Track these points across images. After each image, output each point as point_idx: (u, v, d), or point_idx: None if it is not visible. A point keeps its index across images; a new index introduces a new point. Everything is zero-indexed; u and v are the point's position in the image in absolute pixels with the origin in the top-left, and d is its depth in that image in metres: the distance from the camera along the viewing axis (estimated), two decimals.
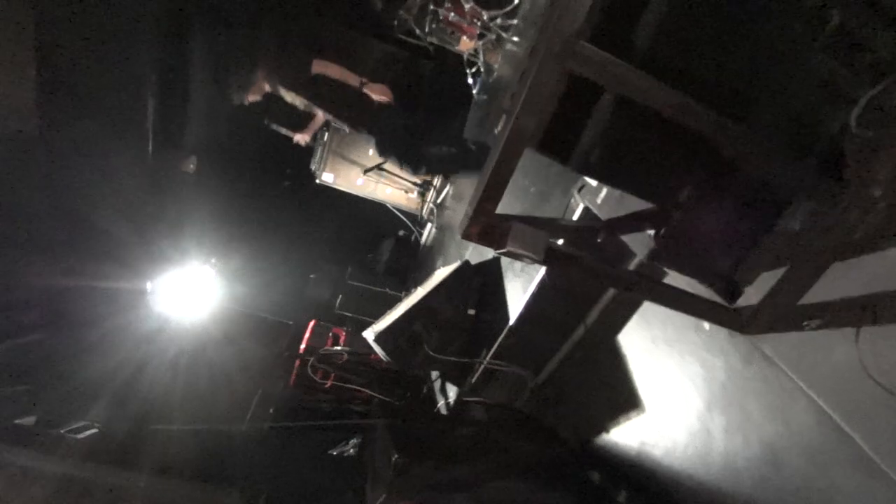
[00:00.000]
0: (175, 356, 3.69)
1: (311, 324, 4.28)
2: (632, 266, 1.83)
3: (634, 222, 1.56)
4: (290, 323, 4.65)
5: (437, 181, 5.46)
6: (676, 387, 1.86)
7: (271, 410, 3.88)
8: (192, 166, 4.64)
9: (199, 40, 3.88)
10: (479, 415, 2.85)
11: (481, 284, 3.01)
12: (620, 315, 2.18)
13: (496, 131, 1.32)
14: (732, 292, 1.55)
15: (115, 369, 3.36)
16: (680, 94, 1.01)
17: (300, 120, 4.39)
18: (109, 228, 3.52)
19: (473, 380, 2.79)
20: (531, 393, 2.63)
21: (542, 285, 2.29)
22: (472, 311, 3.03)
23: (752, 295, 1.47)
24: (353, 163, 5.27)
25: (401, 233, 6.18)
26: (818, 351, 1.36)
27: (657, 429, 1.92)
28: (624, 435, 2.06)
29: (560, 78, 0.93)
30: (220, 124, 5.01)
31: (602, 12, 0.94)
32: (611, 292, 2.24)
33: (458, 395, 2.95)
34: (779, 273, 1.39)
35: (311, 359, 3.57)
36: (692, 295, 1.52)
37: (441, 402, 3.22)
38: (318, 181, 5.30)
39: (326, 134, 5.15)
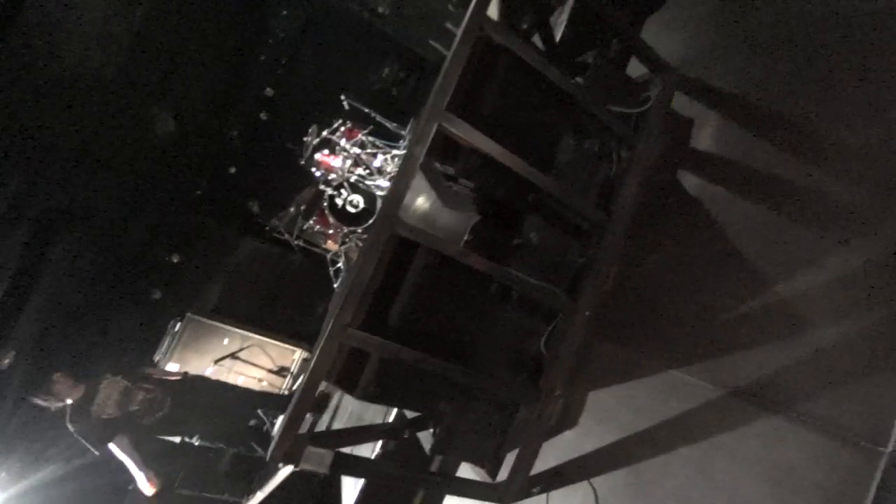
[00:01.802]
0: None
1: None
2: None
3: (421, 423, 2.11)
4: None
5: (293, 367, 5.62)
6: None
7: None
8: (6, 361, 4.12)
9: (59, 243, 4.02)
10: None
11: (321, 483, 3.12)
12: (436, 499, 2.55)
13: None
14: (495, 470, 2.11)
15: None
16: (418, 352, 1.69)
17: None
18: None
19: None
20: None
21: (369, 482, 2.58)
22: None
23: (503, 473, 2.04)
24: (204, 352, 5.23)
25: (252, 423, 5.84)
26: None
27: None
28: None
29: (340, 349, 1.53)
30: (52, 315, 4.73)
31: (367, 310, 1.64)
32: None
33: None
34: (514, 454, 2.02)
35: None
36: (468, 480, 2.04)
37: None
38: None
39: (179, 324, 5.17)
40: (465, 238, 2.23)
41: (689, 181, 2.30)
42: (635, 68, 2.59)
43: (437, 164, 1.87)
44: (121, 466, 3.47)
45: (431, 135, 1.61)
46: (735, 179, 2.09)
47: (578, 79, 2.37)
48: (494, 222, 2.31)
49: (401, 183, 1.60)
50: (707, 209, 2.13)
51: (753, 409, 1.63)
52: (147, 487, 3.39)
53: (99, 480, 4.70)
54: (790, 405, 1.57)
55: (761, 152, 2.03)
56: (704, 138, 2.37)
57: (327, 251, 5.97)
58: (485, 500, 1.99)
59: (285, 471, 3.15)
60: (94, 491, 4.74)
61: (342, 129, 5.23)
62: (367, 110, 5.52)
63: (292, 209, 5.77)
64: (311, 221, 5.78)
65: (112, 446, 3.37)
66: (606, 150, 2.35)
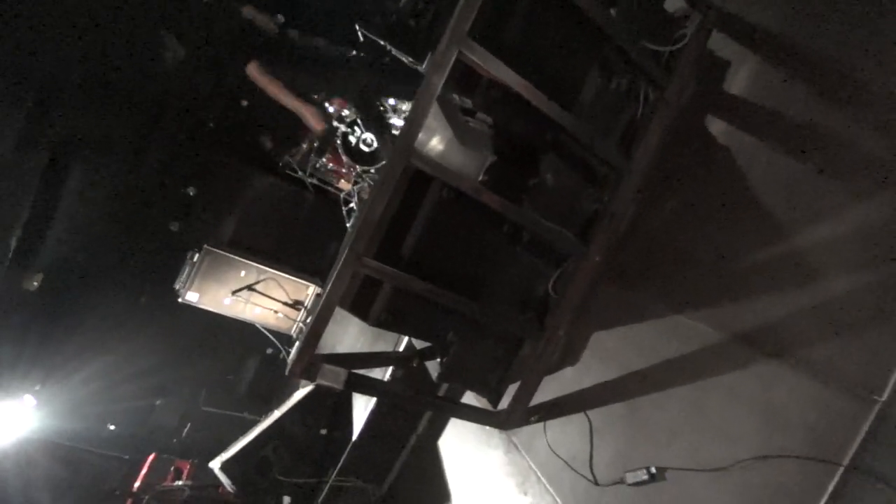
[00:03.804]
0: None
1: (150, 457, 3.97)
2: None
3: (429, 353, 2.21)
4: (126, 457, 4.19)
5: (307, 301, 5.82)
6: (476, 475, 2.40)
7: None
8: (34, 283, 4.34)
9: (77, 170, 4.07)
10: None
11: (335, 404, 3.34)
12: (440, 423, 2.73)
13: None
14: (496, 400, 2.24)
15: None
16: (430, 284, 1.73)
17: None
18: None
19: (321, 499, 2.97)
20: None
21: (380, 403, 2.76)
22: (324, 431, 3.29)
23: (504, 402, 2.16)
24: (222, 283, 5.42)
25: (268, 351, 6.17)
26: (536, 438, 2.06)
27: None
28: None
29: (354, 277, 1.58)
30: (74, 240, 4.90)
31: (382, 241, 1.67)
32: None
33: None
34: (516, 386, 2.13)
35: (146, 497, 3.33)
36: (472, 406, 2.16)
37: None
38: (180, 300, 5.26)
39: (197, 255, 5.32)
40: (480, 178, 2.21)
41: (717, 126, 2.21)
42: (672, 1, 2.40)
43: (455, 96, 1.81)
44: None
45: (451, 63, 1.55)
46: (765, 126, 2.01)
47: (611, 10, 2.22)
48: (510, 163, 2.28)
49: (417, 113, 1.57)
50: (732, 155, 2.07)
51: (753, 353, 1.68)
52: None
53: (126, 402, 5.08)
54: (791, 351, 1.61)
55: (798, 99, 1.93)
56: (739, 81, 2.24)
57: (340, 191, 5.96)
58: (486, 425, 2.12)
59: (301, 392, 3.37)
60: (123, 410, 5.12)
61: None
62: (382, 42, 5.26)
63: (305, 146, 5.70)
64: (323, 159, 5.72)
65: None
66: (633, 90, 2.24)
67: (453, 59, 1.56)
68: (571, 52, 2.01)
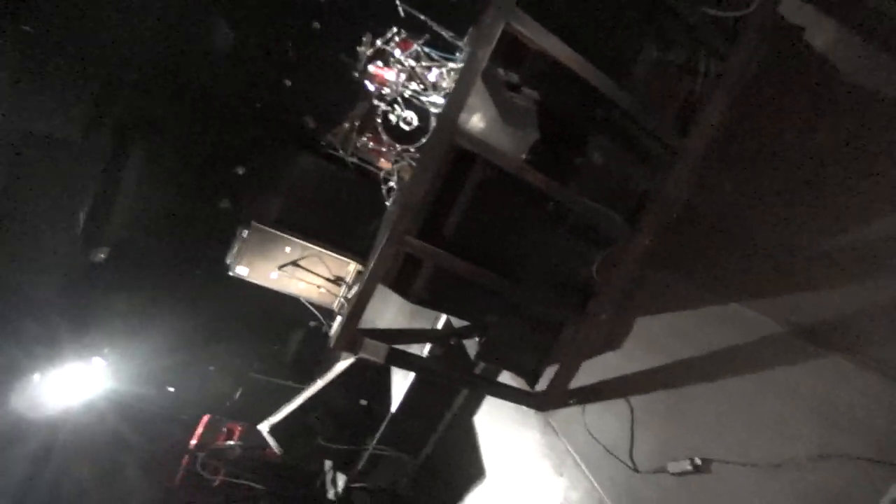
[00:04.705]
0: (46, 452, 3.49)
1: (205, 419, 4.27)
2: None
3: (468, 332, 2.22)
4: (184, 417, 4.55)
5: (348, 277, 5.99)
6: (511, 455, 2.43)
7: None
8: (101, 256, 4.71)
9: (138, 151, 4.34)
10: (364, 501, 3.10)
11: (374, 377, 3.45)
12: (475, 400, 2.76)
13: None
14: (534, 382, 2.23)
15: None
16: (471, 264, 1.72)
17: None
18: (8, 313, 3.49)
19: (360, 466, 3.10)
20: (410, 476, 3.01)
21: (418, 378, 2.82)
22: (364, 402, 3.41)
23: (542, 384, 2.15)
24: (269, 258, 5.66)
25: (312, 324, 6.43)
26: (574, 421, 2.04)
27: (494, 492, 2.43)
28: (474, 503, 2.52)
29: (396, 255, 1.59)
30: (135, 217, 5.26)
31: (425, 220, 1.66)
32: None
33: (346, 483, 3.20)
34: (555, 368, 2.10)
35: (201, 455, 3.60)
36: (509, 386, 2.17)
37: (331, 492, 3.40)
38: (231, 273, 5.55)
39: (246, 231, 5.57)
40: (524, 157, 2.15)
41: (787, 102, 2.02)
42: None
43: (500, 71, 1.75)
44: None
45: (498, 34, 1.49)
46: (844, 102, 1.81)
47: None
48: (556, 141, 2.19)
49: (461, 88, 1.53)
50: (803, 135, 1.89)
51: (816, 348, 1.57)
52: None
53: (184, 367, 5.46)
54: (859, 349, 1.49)
55: (883, 69, 1.73)
56: (814, 51, 2.03)
57: (380, 170, 6.01)
58: (523, 405, 2.12)
59: (342, 364, 3.50)
60: (181, 375, 5.49)
61: (396, 38, 4.95)
62: (422, 17, 5.16)
63: (346, 125, 5.76)
64: (364, 138, 5.77)
65: None
66: (693, 62, 2.08)
67: (500, 30, 1.50)
68: (625, 21, 1.89)
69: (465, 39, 5.50)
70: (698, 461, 1.66)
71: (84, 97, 4.41)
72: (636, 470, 1.83)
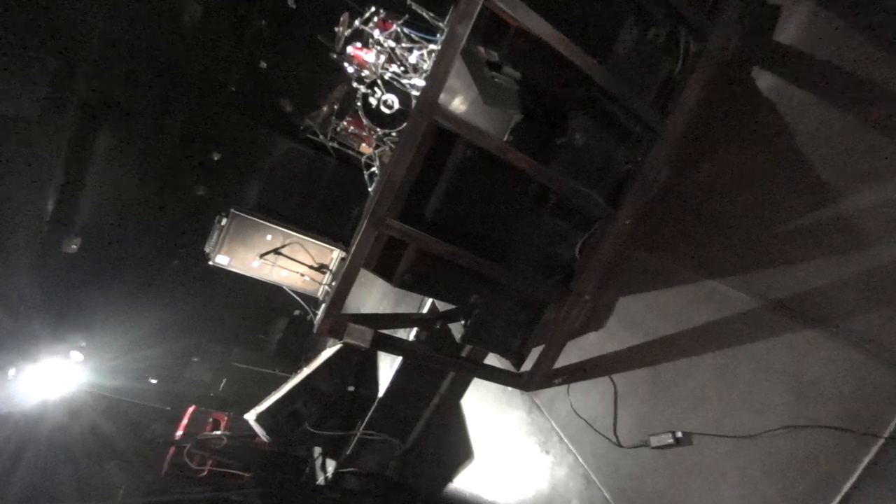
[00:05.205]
0: (19, 447, 3.41)
1: (190, 409, 4.22)
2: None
3: (453, 315, 2.23)
4: (168, 408, 4.49)
5: (332, 265, 5.92)
6: (498, 434, 2.47)
7: None
8: (73, 247, 4.55)
9: (105, 134, 4.16)
10: (353, 485, 3.13)
11: (360, 363, 3.45)
12: (462, 383, 2.79)
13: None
14: (519, 362, 2.26)
15: None
16: (453, 246, 1.71)
17: None
18: None
19: (349, 451, 3.12)
20: (399, 459, 3.04)
21: (405, 362, 2.83)
22: (351, 388, 3.41)
23: (527, 364, 2.18)
24: (250, 246, 5.55)
25: (296, 312, 6.38)
26: (559, 400, 2.08)
27: (481, 471, 2.47)
28: (462, 482, 2.57)
29: (378, 239, 1.57)
30: (107, 204, 5.07)
31: (406, 203, 1.64)
32: None
33: (336, 468, 3.22)
34: (540, 349, 2.13)
35: (187, 445, 3.56)
36: (495, 367, 2.19)
37: (321, 478, 3.42)
38: (210, 263, 5.43)
39: (224, 219, 5.43)
40: (506, 137, 2.13)
41: (763, 81, 2.04)
42: None
43: (480, 49, 1.72)
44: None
45: (477, 10, 1.46)
46: (818, 80, 1.84)
47: None
48: (537, 122, 2.18)
49: (441, 65, 1.50)
50: (779, 112, 1.92)
51: (789, 321, 1.62)
52: None
53: (165, 358, 5.37)
54: (830, 320, 1.54)
55: (855, 49, 1.75)
56: (790, 29, 2.05)
57: (361, 154, 5.90)
58: (509, 386, 2.15)
59: (329, 351, 3.49)
60: (163, 366, 5.43)
61: (375, 18, 4.82)
62: None
63: (325, 108, 5.62)
64: (344, 122, 5.63)
65: None
66: (673, 41, 2.09)
67: (479, 6, 1.47)
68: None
69: (446, 20, 5.40)
70: (679, 434, 1.71)
71: (43, 76, 4.18)
72: (620, 445, 1.88)
